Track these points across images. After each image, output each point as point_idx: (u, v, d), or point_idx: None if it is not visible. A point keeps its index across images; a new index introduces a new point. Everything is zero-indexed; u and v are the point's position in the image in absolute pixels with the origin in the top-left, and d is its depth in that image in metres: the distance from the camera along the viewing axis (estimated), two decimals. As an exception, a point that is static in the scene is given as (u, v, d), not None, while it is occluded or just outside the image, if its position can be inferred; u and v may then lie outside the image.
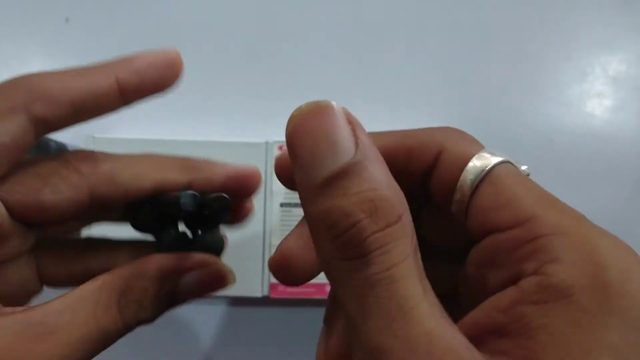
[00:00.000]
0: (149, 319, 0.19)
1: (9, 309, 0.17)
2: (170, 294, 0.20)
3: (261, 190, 0.32)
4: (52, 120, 0.18)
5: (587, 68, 0.48)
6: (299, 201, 0.44)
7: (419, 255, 0.13)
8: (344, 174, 0.13)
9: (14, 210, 0.18)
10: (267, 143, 0.42)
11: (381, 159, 0.14)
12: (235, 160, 0.22)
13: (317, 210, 0.13)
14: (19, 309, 0.17)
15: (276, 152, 0.42)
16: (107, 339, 0.18)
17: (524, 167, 0.17)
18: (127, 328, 0.19)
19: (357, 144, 0.13)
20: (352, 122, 0.14)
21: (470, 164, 0.16)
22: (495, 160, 0.16)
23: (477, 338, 0.13)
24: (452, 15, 0.49)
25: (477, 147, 0.17)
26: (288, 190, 0.41)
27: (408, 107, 0.47)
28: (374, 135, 0.17)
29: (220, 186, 0.21)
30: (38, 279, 0.21)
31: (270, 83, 0.48)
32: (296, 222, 0.44)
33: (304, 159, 0.13)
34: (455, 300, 0.18)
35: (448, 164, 0.16)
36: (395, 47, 0.48)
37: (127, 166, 0.20)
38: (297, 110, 0.14)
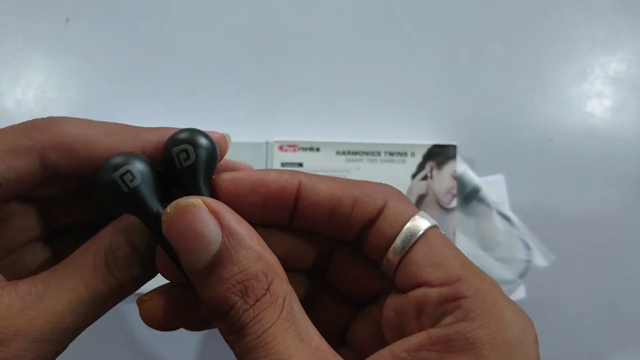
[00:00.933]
0: (148, 273, 0.19)
1: (4, 283, 0.17)
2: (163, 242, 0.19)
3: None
4: (63, 170, 0.18)
5: (587, 68, 0.48)
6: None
7: (294, 303, 0.16)
8: (217, 262, 0.16)
9: None
10: (267, 143, 0.42)
11: (250, 232, 0.16)
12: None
13: (204, 296, 0.16)
14: (13, 282, 0.17)
15: (276, 152, 0.42)
16: (104, 299, 0.18)
17: (435, 223, 0.19)
18: (123, 285, 0.18)
19: (223, 231, 0.16)
20: (216, 211, 0.16)
21: (409, 223, 0.18)
22: (428, 223, 0.18)
23: None
24: (452, 16, 0.49)
25: (413, 209, 0.19)
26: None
27: (409, 107, 0.47)
28: (319, 179, 0.19)
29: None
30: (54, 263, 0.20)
31: (270, 84, 0.48)
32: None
33: (182, 254, 0.16)
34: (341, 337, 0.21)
35: (390, 220, 0.18)
36: (396, 48, 0.48)
37: (81, 131, 0.18)
38: (164, 213, 0.16)
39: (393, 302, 0.18)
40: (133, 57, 0.48)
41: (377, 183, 0.19)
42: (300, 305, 0.17)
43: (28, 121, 0.18)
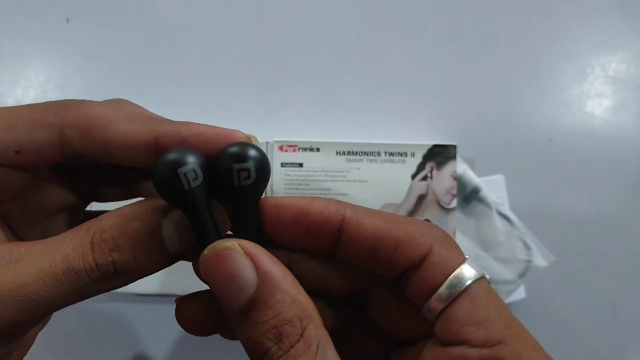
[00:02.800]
0: (135, 267, 0.18)
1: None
2: (154, 237, 0.18)
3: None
4: (80, 150, 0.19)
5: (587, 68, 0.48)
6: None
7: (328, 349, 0.16)
8: (252, 306, 0.16)
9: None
10: (267, 143, 0.42)
11: (286, 275, 0.16)
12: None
13: (240, 338, 0.16)
14: (5, 242, 0.18)
15: (276, 152, 0.42)
16: (77, 279, 0.17)
17: (487, 277, 0.18)
18: (100, 269, 0.17)
19: (258, 274, 0.16)
20: (251, 254, 0.16)
21: (455, 272, 0.17)
22: (473, 274, 0.17)
23: None
24: (453, 16, 0.49)
25: (460, 257, 0.18)
26: (289, 191, 0.41)
27: (409, 107, 0.47)
28: (366, 214, 0.18)
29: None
30: None
31: (270, 84, 0.48)
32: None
33: (220, 296, 0.16)
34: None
35: (433, 269, 0.18)
36: (396, 48, 0.48)
37: (101, 113, 0.19)
38: (202, 255, 0.16)
39: (432, 353, 0.18)
40: (133, 58, 0.48)
41: (425, 224, 0.19)
42: (334, 350, 0.16)
43: (61, 100, 0.19)
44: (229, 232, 0.19)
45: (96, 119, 0.18)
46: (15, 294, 0.16)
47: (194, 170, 0.17)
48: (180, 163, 0.17)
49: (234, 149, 0.18)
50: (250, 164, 0.17)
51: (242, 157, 0.17)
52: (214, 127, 0.19)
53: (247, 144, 0.18)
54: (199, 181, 0.17)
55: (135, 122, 0.19)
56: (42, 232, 0.20)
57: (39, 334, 0.22)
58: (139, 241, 0.17)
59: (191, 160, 0.17)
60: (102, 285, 0.18)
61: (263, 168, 0.18)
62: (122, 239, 0.17)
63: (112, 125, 0.18)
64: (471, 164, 0.46)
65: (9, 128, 0.18)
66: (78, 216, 0.22)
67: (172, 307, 0.20)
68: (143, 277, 0.18)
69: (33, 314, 0.17)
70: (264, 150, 0.42)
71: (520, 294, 0.45)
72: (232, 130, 0.19)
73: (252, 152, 0.18)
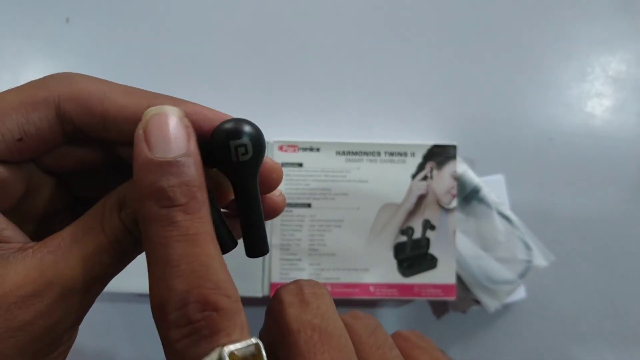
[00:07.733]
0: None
1: (30, 244, 0.17)
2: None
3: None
4: (80, 124, 0.18)
5: (587, 68, 0.48)
6: (299, 201, 0.44)
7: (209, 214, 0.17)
8: (174, 164, 0.16)
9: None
10: (267, 143, 0.42)
11: (199, 162, 0.17)
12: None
13: (147, 180, 0.16)
14: (33, 243, 0.18)
15: (276, 152, 0.42)
16: (122, 248, 0.18)
17: None
18: (134, 235, 0.18)
19: (188, 147, 0.17)
20: (188, 127, 0.17)
21: None
22: None
23: None
24: (453, 16, 0.49)
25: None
26: (289, 191, 0.41)
27: (409, 107, 0.47)
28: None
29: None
30: None
31: (270, 84, 0.48)
32: (297, 222, 0.44)
33: (155, 141, 0.16)
34: None
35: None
36: (396, 48, 0.48)
37: (98, 87, 0.18)
38: (151, 109, 0.17)
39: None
40: (133, 58, 0.48)
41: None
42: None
43: (47, 75, 0.18)
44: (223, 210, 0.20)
45: (93, 92, 0.18)
46: (84, 279, 0.17)
47: (245, 146, 0.18)
48: (231, 133, 0.18)
49: (229, 125, 0.18)
50: (247, 140, 0.18)
51: (238, 133, 0.18)
52: (212, 109, 0.20)
53: (241, 119, 0.19)
54: (248, 156, 0.18)
55: (131, 94, 0.19)
56: (39, 234, 0.20)
57: None
58: None
59: (242, 133, 0.18)
60: (138, 246, 0.19)
61: (259, 142, 0.19)
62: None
63: (108, 98, 0.18)
64: (471, 164, 0.46)
65: (1, 116, 0.17)
66: (71, 215, 0.22)
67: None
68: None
69: (96, 293, 0.18)
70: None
71: (520, 294, 0.45)
72: (227, 114, 0.20)
73: (248, 128, 0.18)
